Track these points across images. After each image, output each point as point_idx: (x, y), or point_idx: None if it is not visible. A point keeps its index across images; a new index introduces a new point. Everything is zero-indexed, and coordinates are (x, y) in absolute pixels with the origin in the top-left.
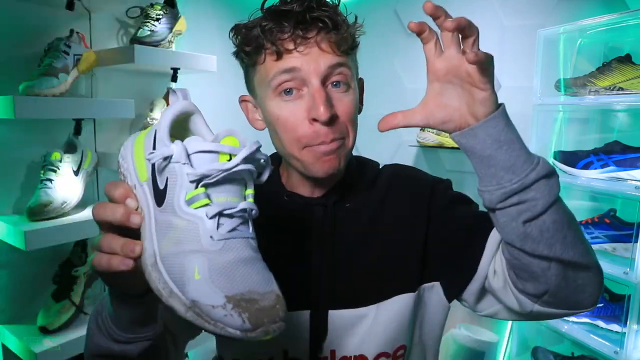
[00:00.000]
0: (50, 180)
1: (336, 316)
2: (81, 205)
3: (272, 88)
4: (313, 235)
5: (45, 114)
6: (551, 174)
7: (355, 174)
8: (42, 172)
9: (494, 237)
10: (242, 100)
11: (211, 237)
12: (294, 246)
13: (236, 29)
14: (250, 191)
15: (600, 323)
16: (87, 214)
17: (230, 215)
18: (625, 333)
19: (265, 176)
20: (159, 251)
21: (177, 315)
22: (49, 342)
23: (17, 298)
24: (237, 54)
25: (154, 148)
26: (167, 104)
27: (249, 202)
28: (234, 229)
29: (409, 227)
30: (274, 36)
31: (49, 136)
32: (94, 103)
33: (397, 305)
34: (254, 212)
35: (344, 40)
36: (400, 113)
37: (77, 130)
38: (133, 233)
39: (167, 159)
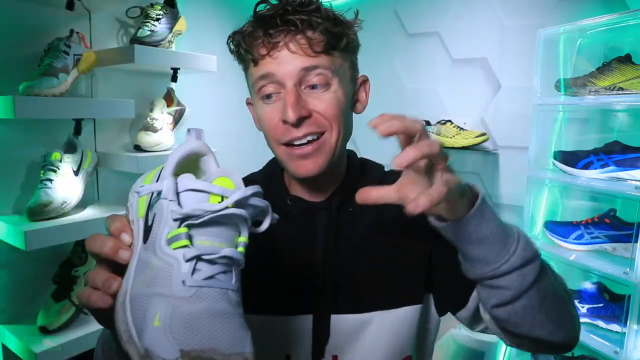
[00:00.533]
0: (50, 180)
1: (339, 321)
2: (81, 205)
3: (255, 92)
4: (316, 240)
5: (45, 114)
6: (528, 262)
7: (359, 176)
8: (42, 172)
9: None
10: (247, 102)
11: (183, 282)
12: (297, 250)
13: (231, 36)
14: (243, 239)
15: (600, 323)
16: (87, 214)
17: (211, 262)
18: (625, 333)
19: (264, 225)
20: (130, 290)
21: None
22: (49, 342)
23: (17, 298)
24: (237, 61)
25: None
26: (168, 104)
27: (234, 250)
28: (211, 277)
29: (413, 233)
30: (249, 44)
31: (49, 136)
32: (94, 103)
33: (405, 315)
34: (240, 262)
35: (318, 40)
36: (374, 189)
37: (77, 130)
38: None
39: (158, 194)
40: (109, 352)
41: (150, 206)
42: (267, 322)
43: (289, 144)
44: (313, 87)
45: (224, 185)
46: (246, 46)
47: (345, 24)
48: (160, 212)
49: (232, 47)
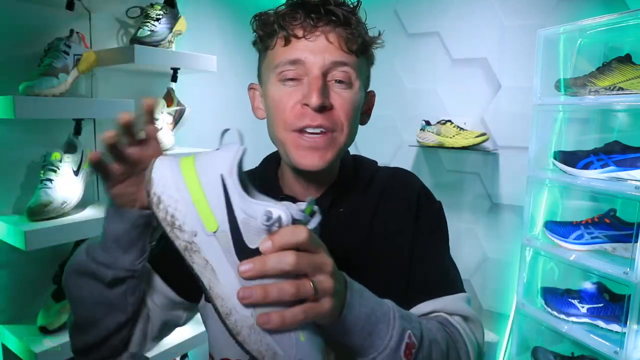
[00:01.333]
0: (50, 180)
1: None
2: (81, 205)
3: (276, 74)
4: None
5: (45, 114)
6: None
7: (351, 175)
8: (42, 172)
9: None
10: (250, 87)
11: None
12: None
13: (257, 15)
14: None
15: (600, 323)
16: (87, 214)
17: None
18: (625, 333)
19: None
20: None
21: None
22: (49, 342)
23: (17, 298)
24: (254, 42)
25: (227, 198)
26: (168, 104)
27: None
28: None
29: (400, 236)
30: (286, 21)
31: (49, 136)
32: (94, 103)
33: None
34: None
35: (353, 38)
36: None
37: (77, 130)
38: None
39: (274, 221)
40: (91, 248)
41: (243, 227)
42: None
43: (301, 131)
44: (338, 81)
45: (308, 212)
46: (282, 23)
47: (371, 37)
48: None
49: (259, 24)
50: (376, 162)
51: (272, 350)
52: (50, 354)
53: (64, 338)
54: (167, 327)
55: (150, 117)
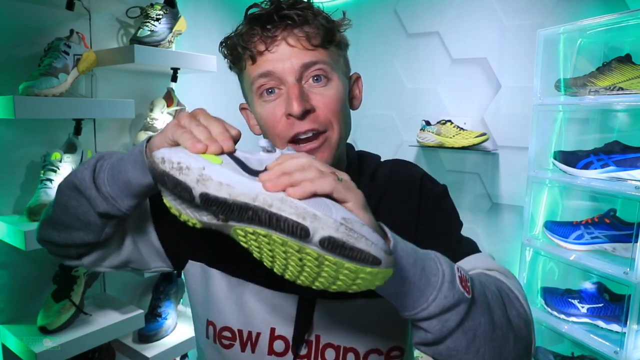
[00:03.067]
0: (50, 180)
1: (324, 305)
2: None
3: (254, 91)
4: None
5: (45, 114)
6: (448, 309)
7: (355, 170)
8: (42, 172)
9: None
10: (241, 108)
11: None
12: None
13: (222, 42)
14: None
15: (600, 323)
16: None
17: None
18: (625, 333)
19: None
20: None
21: (322, 237)
22: (49, 342)
23: (17, 298)
24: (230, 68)
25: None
26: (168, 104)
27: None
28: None
29: (403, 229)
30: (246, 41)
31: (49, 136)
32: (94, 103)
33: (390, 305)
34: None
35: (313, 33)
36: None
37: (77, 130)
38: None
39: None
40: (101, 169)
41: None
42: (257, 292)
43: (295, 141)
44: (315, 79)
45: None
46: (243, 43)
47: (336, 23)
48: None
49: (226, 51)
50: (379, 157)
51: (310, 212)
52: (50, 354)
53: (64, 338)
54: (129, 265)
55: None
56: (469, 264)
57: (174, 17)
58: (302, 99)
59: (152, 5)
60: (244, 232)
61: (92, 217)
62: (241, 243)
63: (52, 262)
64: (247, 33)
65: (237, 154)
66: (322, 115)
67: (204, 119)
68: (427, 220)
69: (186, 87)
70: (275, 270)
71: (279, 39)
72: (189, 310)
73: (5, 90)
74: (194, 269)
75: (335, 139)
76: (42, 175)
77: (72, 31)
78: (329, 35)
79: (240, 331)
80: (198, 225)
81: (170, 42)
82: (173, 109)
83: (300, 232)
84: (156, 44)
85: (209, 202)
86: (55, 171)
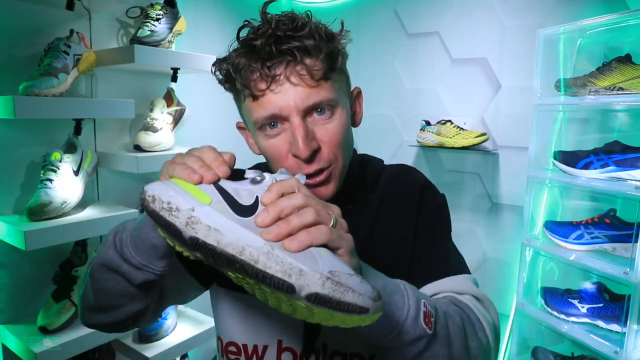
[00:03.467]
0: (50, 180)
1: None
2: (81, 205)
3: (257, 127)
4: None
5: (45, 114)
6: (409, 342)
7: (357, 175)
8: (42, 172)
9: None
10: (238, 127)
11: None
12: None
13: (217, 64)
14: None
15: (600, 323)
16: (87, 214)
17: None
18: (625, 333)
19: None
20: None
21: (308, 294)
22: (49, 342)
23: (17, 298)
24: (224, 88)
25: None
26: (168, 104)
27: None
28: None
29: (403, 235)
30: (245, 78)
31: (49, 136)
32: (94, 103)
33: None
34: None
35: (317, 67)
36: None
37: (77, 130)
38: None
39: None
40: (123, 241)
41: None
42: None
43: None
44: (319, 111)
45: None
46: (243, 80)
47: (336, 38)
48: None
49: (221, 76)
50: (382, 161)
51: (296, 268)
52: (50, 354)
53: (64, 338)
54: (172, 304)
55: None
56: (447, 286)
57: (174, 17)
58: (308, 139)
59: (152, 5)
60: (234, 275)
61: (134, 290)
62: (233, 280)
63: (52, 262)
64: (245, 69)
65: (227, 186)
66: (328, 151)
67: (196, 151)
68: (422, 230)
69: (186, 87)
70: (269, 305)
71: (281, 77)
72: (189, 310)
73: (5, 90)
74: (212, 289)
75: (340, 170)
76: (42, 175)
77: (72, 31)
78: (331, 64)
79: (245, 346)
80: (192, 257)
81: (170, 42)
82: (173, 109)
83: (286, 289)
84: (156, 44)
85: (198, 247)
86: (55, 171)
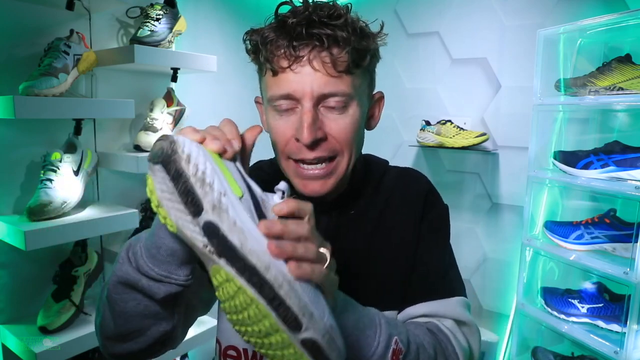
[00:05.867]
0: (50, 180)
1: None
2: (81, 205)
3: (270, 104)
4: None
5: (45, 114)
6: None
7: (361, 177)
8: (42, 172)
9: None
10: (256, 101)
11: None
12: None
13: (248, 33)
14: None
15: (600, 323)
16: (87, 214)
17: None
18: (625, 333)
19: None
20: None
21: (307, 338)
22: (49, 342)
23: (17, 298)
24: (250, 59)
25: (244, 177)
26: (168, 104)
27: None
28: None
29: (405, 240)
30: (270, 52)
31: (49, 136)
32: (94, 103)
33: (392, 317)
34: None
35: (341, 59)
36: None
37: (77, 130)
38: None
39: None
40: (137, 255)
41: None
42: None
43: (299, 161)
44: (331, 107)
45: None
46: (267, 54)
47: (371, 38)
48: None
49: (249, 46)
50: (387, 162)
51: (309, 310)
52: (50, 354)
53: (64, 338)
54: (199, 315)
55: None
56: (437, 309)
57: (174, 17)
58: (313, 128)
59: (152, 5)
60: (225, 278)
61: (157, 307)
62: (212, 280)
63: (52, 262)
64: (272, 43)
65: (254, 189)
66: (333, 143)
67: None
68: (424, 237)
69: (186, 87)
70: (233, 324)
71: (304, 59)
72: None
73: (5, 90)
74: None
75: (344, 167)
76: (42, 175)
77: (72, 31)
78: (358, 59)
79: (245, 350)
80: (171, 229)
81: (170, 42)
82: (173, 109)
83: (292, 325)
84: (156, 44)
85: (213, 234)
86: (55, 171)
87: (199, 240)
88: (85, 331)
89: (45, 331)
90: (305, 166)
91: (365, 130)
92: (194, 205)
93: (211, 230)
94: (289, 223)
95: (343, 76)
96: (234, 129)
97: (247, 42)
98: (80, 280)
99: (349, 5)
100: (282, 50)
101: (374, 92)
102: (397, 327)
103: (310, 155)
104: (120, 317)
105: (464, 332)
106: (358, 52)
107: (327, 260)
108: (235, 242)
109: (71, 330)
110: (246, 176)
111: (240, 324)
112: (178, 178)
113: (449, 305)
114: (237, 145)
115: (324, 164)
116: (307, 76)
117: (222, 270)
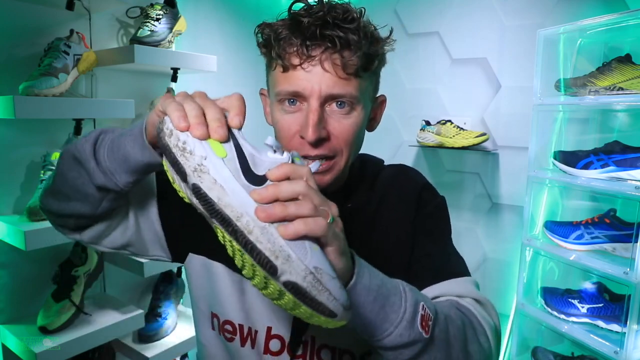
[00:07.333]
0: None
1: None
2: None
3: (277, 99)
4: None
5: (45, 114)
6: (403, 345)
7: (357, 174)
8: (42, 172)
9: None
10: (261, 93)
11: None
12: None
13: (260, 26)
14: None
15: (600, 323)
16: None
17: None
18: (625, 333)
19: None
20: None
21: (287, 281)
22: (49, 342)
23: (17, 298)
24: (260, 52)
25: (234, 138)
26: None
27: None
28: None
29: (402, 234)
30: (282, 49)
31: (49, 136)
32: (94, 103)
33: None
34: None
35: (351, 61)
36: None
37: (77, 130)
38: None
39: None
40: (103, 142)
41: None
42: (255, 291)
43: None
44: (339, 104)
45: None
46: (279, 50)
47: (380, 43)
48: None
49: (261, 39)
50: (382, 161)
51: (285, 252)
52: (50, 354)
53: (64, 338)
54: (128, 248)
55: None
56: (448, 289)
57: (174, 17)
58: (318, 126)
59: (152, 5)
60: (222, 234)
61: (90, 190)
62: (219, 238)
63: (52, 262)
64: (285, 40)
65: (245, 148)
66: (335, 143)
67: (200, 99)
68: (421, 232)
69: (186, 87)
70: (244, 273)
71: (316, 59)
72: (189, 310)
73: (5, 90)
74: (195, 262)
75: (342, 165)
76: (42, 175)
77: (72, 31)
78: (367, 63)
79: (241, 326)
80: (186, 200)
81: (170, 42)
82: None
83: (268, 269)
84: (156, 44)
85: (198, 195)
86: None
87: (194, 202)
88: (85, 331)
89: (45, 331)
90: (306, 161)
91: (375, 134)
92: (181, 173)
93: (196, 191)
94: (282, 183)
95: (351, 79)
96: (236, 105)
97: (259, 35)
98: (80, 280)
99: (363, 9)
100: (295, 48)
101: (377, 95)
102: (423, 295)
103: (312, 152)
104: (59, 177)
105: (483, 308)
106: (367, 56)
107: (329, 216)
108: (213, 198)
109: (71, 330)
110: (237, 134)
111: (245, 275)
112: (166, 152)
113: (460, 285)
114: (222, 130)
115: (323, 161)
116: (317, 76)
117: (217, 229)
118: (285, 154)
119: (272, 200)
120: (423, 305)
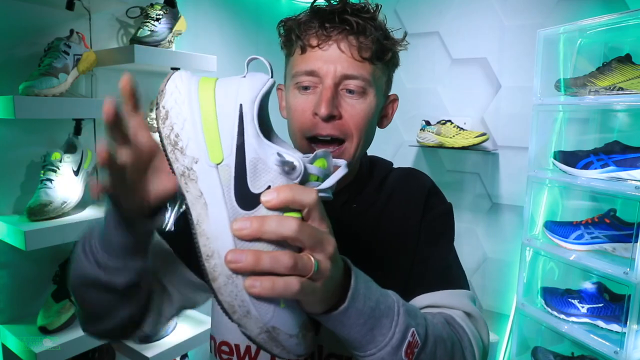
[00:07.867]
0: (50, 180)
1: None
2: (81, 205)
3: (294, 82)
4: None
5: (45, 114)
6: None
7: (366, 174)
8: (42, 172)
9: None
10: (278, 87)
11: None
12: None
13: (281, 22)
14: None
15: (600, 323)
16: (87, 214)
17: None
18: (625, 333)
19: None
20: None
21: (243, 331)
22: (49, 342)
23: (17, 298)
24: (281, 47)
25: (241, 131)
26: None
27: None
28: None
29: (408, 234)
30: (303, 31)
31: (49, 136)
32: (94, 103)
33: None
34: None
35: (366, 46)
36: None
37: (77, 130)
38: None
39: (286, 165)
40: (94, 248)
41: (249, 169)
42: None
43: (313, 139)
44: (350, 91)
45: (321, 166)
46: (299, 32)
47: (394, 41)
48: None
49: (282, 31)
50: (392, 163)
51: (245, 308)
52: (50, 354)
53: (64, 338)
54: (185, 308)
55: (133, 101)
56: (443, 299)
57: (174, 17)
58: (331, 103)
59: (152, 5)
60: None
61: (119, 297)
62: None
63: (52, 262)
64: (305, 23)
65: (248, 151)
66: (346, 124)
67: None
68: (424, 236)
69: None
70: None
71: (332, 40)
72: (188, 310)
73: (5, 90)
74: None
75: (351, 152)
76: (42, 175)
77: (72, 31)
78: (381, 52)
79: (237, 346)
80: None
81: (170, 42)
82: None
83: (228, 315)
84: (156, 44)
85: (183, 202)
86: (55, 171)
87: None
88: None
89: (45, 331)
90: (319, 144)
91: (376, 134)
92: (171, 168)
93: (182, 199)
94: (271, 220)
95: (366, 63)
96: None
97: (282, 27)
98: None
99: (379, 5)
100: (314, 31)
101: (389, 93)
102: (417, 317)
103: (324, 130)
104: (86, 307)
105: (475, 325)
106: (382, 46)
107: (310, 267)
108: (193, 218)
109: (71, 330)
110: (248, 125)
111: None
112: (160, 140)
113: (455, 297)
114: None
115: (335, 144)
116: (333, 56)
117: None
118: (298, 166)
119: (253, 239)
120: (413, 332)
